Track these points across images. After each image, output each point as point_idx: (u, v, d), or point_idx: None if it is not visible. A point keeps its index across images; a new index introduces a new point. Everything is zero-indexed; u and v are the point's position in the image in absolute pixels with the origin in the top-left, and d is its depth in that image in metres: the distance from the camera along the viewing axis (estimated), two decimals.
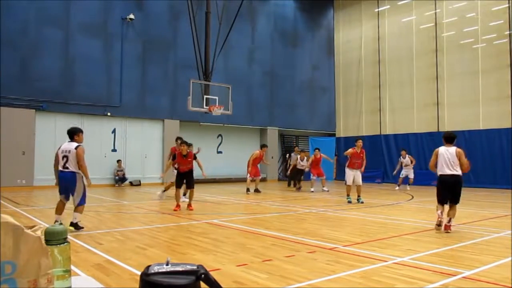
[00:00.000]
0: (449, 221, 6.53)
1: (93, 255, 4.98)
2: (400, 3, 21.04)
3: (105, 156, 17.67)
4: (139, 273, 1.25)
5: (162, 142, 19.31)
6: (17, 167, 15.24)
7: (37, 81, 15.91)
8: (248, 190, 14.33)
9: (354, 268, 4.29)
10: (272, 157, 23.22)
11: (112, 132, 18.02)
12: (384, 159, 20.98)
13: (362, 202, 10.84)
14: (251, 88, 22.10)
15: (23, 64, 15.76)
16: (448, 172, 6.68)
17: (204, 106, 16.63)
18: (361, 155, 11.14)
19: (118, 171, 17.67)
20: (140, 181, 18.33)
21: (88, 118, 17.34)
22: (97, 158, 17.23)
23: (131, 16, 18.12)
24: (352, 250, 5.20)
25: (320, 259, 4.72)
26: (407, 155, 16.23)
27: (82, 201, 6.65)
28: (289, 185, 17.62)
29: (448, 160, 6.71)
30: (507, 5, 17.05)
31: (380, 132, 21.55)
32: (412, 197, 13.15)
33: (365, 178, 14.67)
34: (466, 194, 14.17)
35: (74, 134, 6.79)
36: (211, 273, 1.02)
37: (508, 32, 17.01)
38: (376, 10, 22.06)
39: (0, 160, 14.47)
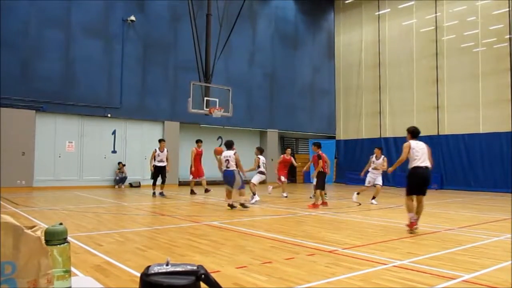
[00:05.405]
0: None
1: (93, 256, 4.97)
2: (400, 6, 21.08)
3: (105, 158, 17.64)
4: (138, 274, 1.25)
5: None
6: (17, 168, 15.22)
7: (37, 82, 15.91)
8: (192, 191, 14.28)
9: (354, 271, 4.28)
10: (272, 160, 23.21)
11: (112, 134, 18.01)
12: None
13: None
14: (252, 90, 22.10)
15: (24, 65, 15.76)
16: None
17: (205, 108, 16.62)
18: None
19: (119, 172, 17.63)
20: (140, 183, 18.30)
21: (88, 119, 17.34)
22: (97, 159, 17.25)
23: (132, 17, 18.15)
24: (352, 253, 5.20)
25: (320, 262, 4.71)
26: None
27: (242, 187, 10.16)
28: None
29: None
30: (507, 9, 17.08)
31: (380, 135, 21.55)
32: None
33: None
34: (466, 197, 14.23)
35: (232, 145, 10.58)
36: None
37: (508, 36, 17.04)
38: (377, 13, 22.10)
39: (0, 161, 14.46)
